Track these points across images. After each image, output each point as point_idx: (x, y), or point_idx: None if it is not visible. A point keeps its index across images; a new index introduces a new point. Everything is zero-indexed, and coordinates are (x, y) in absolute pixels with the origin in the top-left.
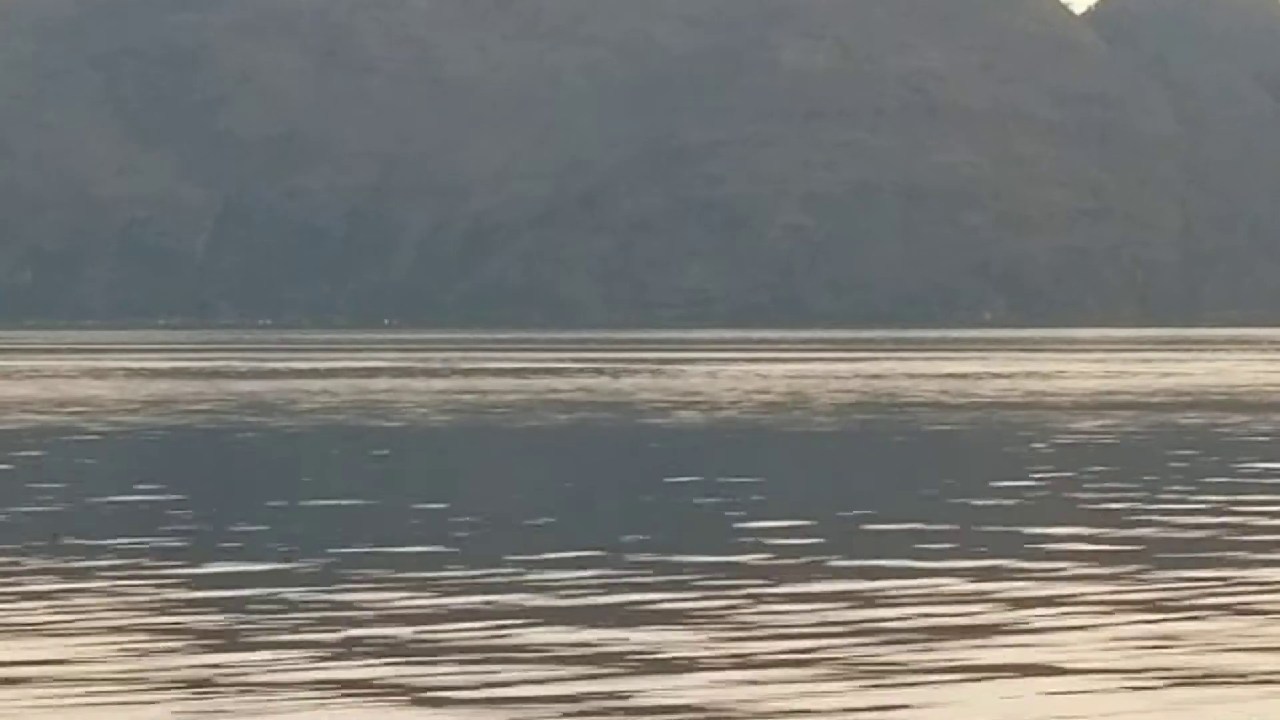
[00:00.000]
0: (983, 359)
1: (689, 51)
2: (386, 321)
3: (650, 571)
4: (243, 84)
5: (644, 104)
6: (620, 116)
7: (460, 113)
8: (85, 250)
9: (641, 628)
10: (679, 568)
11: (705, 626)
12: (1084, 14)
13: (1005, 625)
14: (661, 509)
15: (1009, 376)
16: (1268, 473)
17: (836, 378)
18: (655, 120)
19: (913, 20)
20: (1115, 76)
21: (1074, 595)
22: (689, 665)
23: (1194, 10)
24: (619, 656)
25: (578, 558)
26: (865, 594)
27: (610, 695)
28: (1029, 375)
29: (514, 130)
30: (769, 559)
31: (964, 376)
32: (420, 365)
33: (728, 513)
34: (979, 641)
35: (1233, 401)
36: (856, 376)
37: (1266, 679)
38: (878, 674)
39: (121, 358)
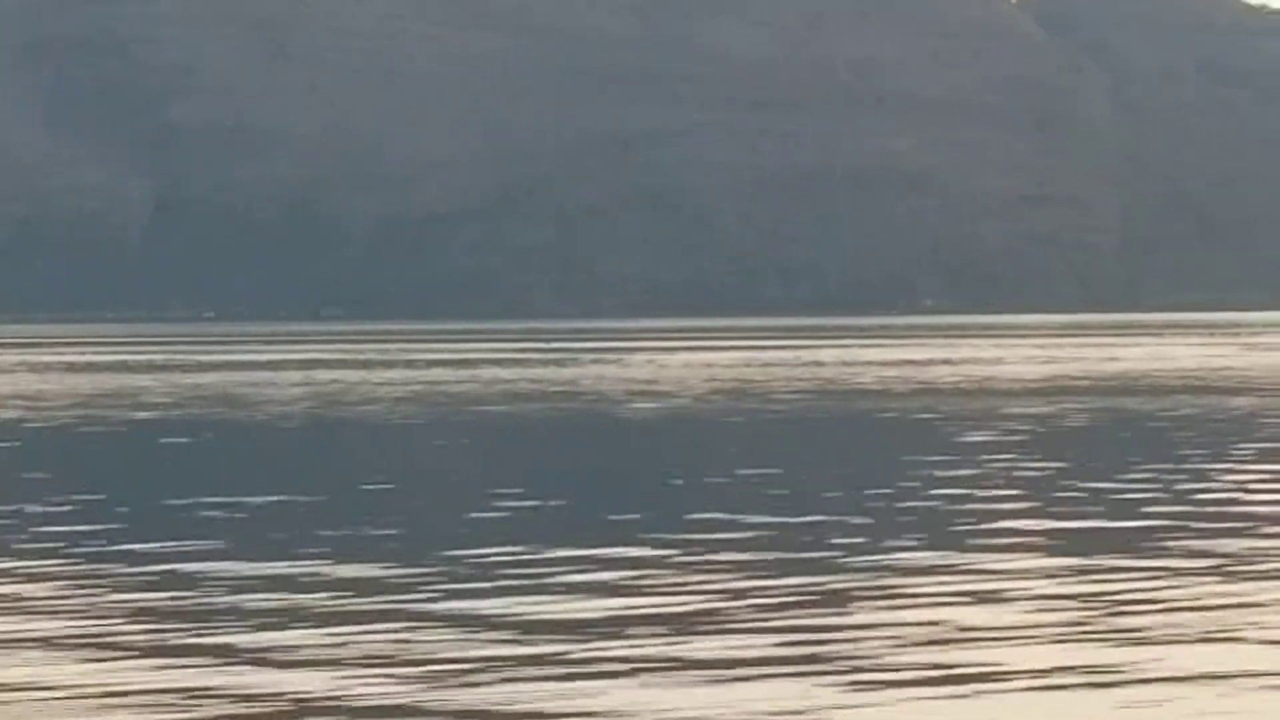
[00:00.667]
0: (925, 346)
1: (637, 39)
2: (328, 314)
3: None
4: (185, 75)
5: (591, 93)
6: (567, 105)
7: (405, 103)
8: (27, 243)
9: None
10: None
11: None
12: (1025, 1)
13: (970, 627)
14: (602, 495)
15: (952, 363)
16: (1209, 455)
17: (785, 365)
18: (603, 109)
19: (858, 8)
20: (1056, 64)
21: (1018, 590)
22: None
23: None
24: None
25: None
26: (827, 590)
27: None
28: (972, 361)
29: (460, 120)
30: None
31: (909, 364)
32: (357, 358)
33: (671, 503)
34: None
35: (1165, 387)
36: (805, 364)
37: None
38: (839, 674)
39: (63, 351)
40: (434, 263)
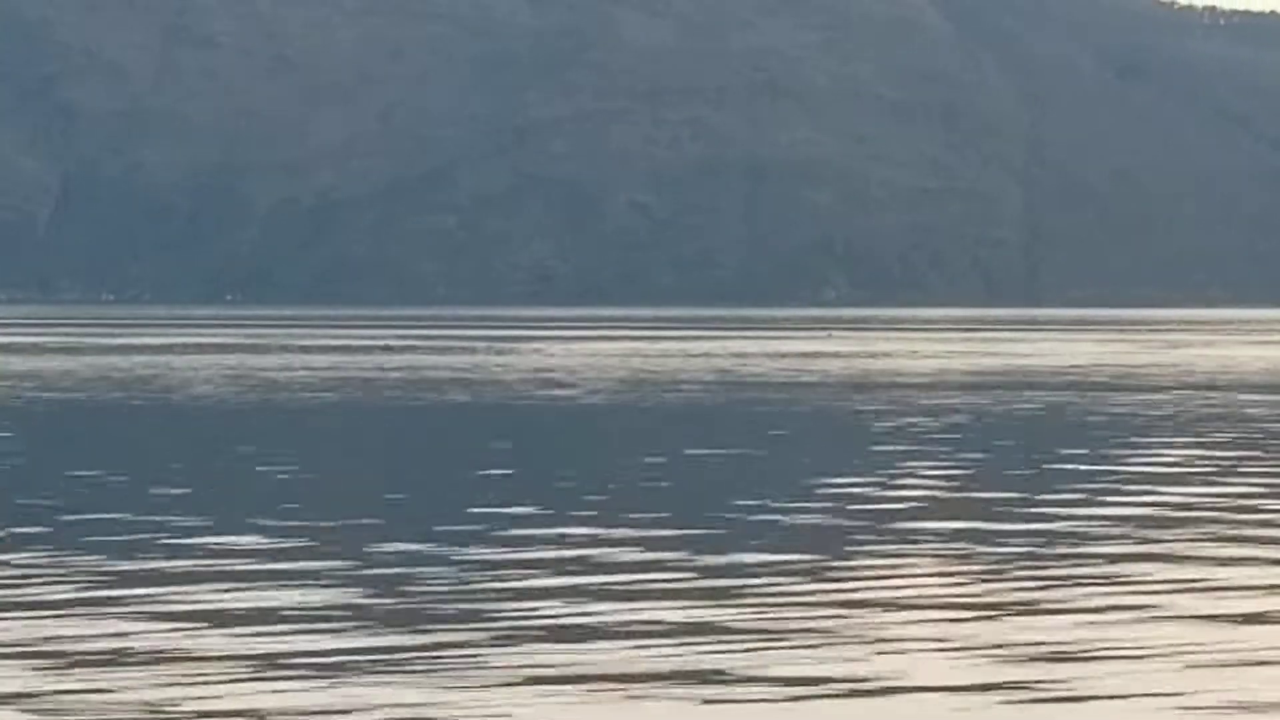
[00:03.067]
0: (820, 338)
1: (533, 28)
2: (229, 298)
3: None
4: (86, 59)
5: (487, 81)
6: (463, 93)
7: (304, 89)
8: None
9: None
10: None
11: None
12: None
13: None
14: (460, 488)
15: (846, 356)
16: (1099, 459)
17: (676, 356)
18: (499, 97)
19: None
20: (958, 55)
21: (911, 598)
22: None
23: None
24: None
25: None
26: (706, 591)
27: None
28: (867, 355)
29: (358, 106)
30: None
31: (802, 355)
32: (247, 342)
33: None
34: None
35: (1055, 383)
36: (697, 355)
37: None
38: (715, 683)
39: None
40: (331, 249)
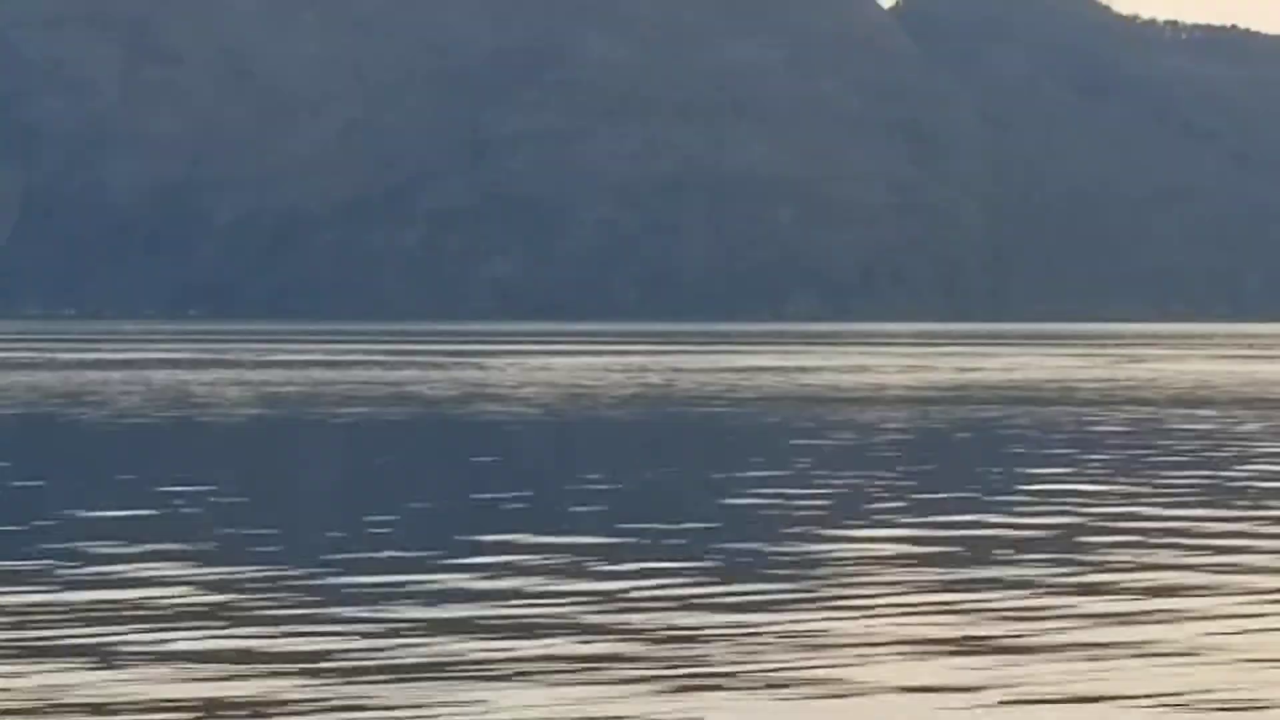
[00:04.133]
0: (785, 354)
1: (495, 45)
2: (191, 312)
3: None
4: (48, 75)
5: (450, 98)
6: (427, 110)
7: (267, 105)
8: None
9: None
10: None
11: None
12: (891, 10)
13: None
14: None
15: (812, 370)
16: (1042, 477)
17: (637, 370)
18: (462, 114)
19: (718, 15)
20: (921, 73)
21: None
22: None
23: (1000, 8)
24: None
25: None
26: (669, 599)
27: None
28: (832, 370)
29: (321, 123)
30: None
31: (760, 370)
32: (202, 358)
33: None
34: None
35: (1025, 397)
36: (653, 370)
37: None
38: (666, 680)
39: None
40: (294, 264)
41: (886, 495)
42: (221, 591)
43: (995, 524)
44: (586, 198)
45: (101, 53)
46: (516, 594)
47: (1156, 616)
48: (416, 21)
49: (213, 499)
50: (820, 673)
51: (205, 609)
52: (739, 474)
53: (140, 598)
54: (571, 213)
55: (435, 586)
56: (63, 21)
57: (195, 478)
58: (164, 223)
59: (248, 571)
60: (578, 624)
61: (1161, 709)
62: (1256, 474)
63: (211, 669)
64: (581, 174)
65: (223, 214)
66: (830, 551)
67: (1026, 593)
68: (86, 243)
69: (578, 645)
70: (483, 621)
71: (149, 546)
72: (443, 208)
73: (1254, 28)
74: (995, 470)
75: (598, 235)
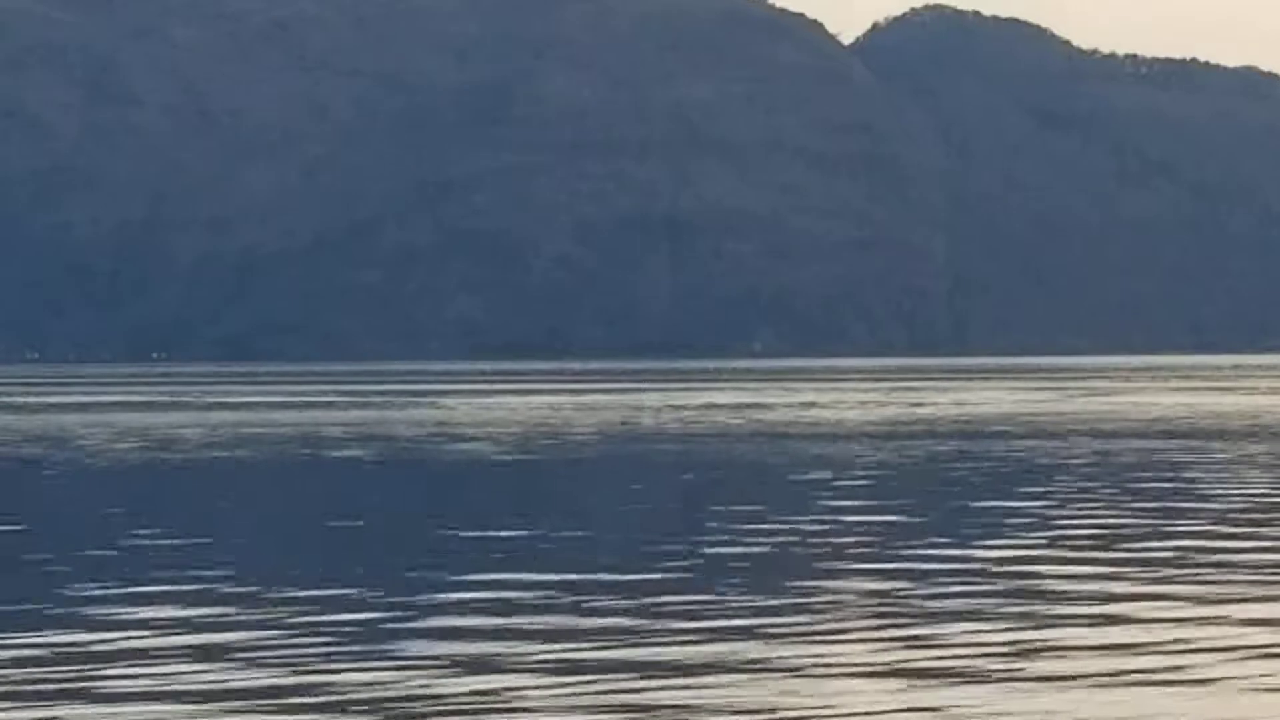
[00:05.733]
0: (745, 390)
1: (456, 84)
2: (155, 355)
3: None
4: (7, 117)
5: (411, 136)
6: (388, 149)
7: (227, 145)
8: None
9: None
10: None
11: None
12: (851, 45)
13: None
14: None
15: (767, 407)
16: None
17: (598, 409)
18: (423, 152)
19: (679, 52)
20: (882, 107)
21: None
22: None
23: (960, 41)
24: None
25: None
26: (624, 630)
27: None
28: (785, 406)
29: (281, 162)
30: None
31: (718, 407)
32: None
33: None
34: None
35: (971, 431)
36: (615, 408)
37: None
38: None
39: None
40: (256, 305)
41: (843, 531)
42: (199, 632)
43: (942, 556)
44: (548, 235)
45: (61, 94)
46: (480, 633)
47: (1130, 647)
48: (377, 60)
49: (175, 540)
50: (790, 702)
51: (184, 649)
52: (696, 513)
53: (120, 638)
54: (533, 250)
55: (417, 625)
56: (22, 63)
57: (159, 520)
58: (125, 264)
59: (218, 611)
60: (543, 661)
61: None
62: (1204, 507)
63: (189, 709)
64: (543, 211)
65: (184, 255)
66: (791, 587)
67: (973, 625)
68: (47, 285)
69: (540, 679)
70: (462, 659)
71: (126, 590)
72: (405, 246)
73: (1213, 60)
74: (966, 503)
75: (559, 273)
